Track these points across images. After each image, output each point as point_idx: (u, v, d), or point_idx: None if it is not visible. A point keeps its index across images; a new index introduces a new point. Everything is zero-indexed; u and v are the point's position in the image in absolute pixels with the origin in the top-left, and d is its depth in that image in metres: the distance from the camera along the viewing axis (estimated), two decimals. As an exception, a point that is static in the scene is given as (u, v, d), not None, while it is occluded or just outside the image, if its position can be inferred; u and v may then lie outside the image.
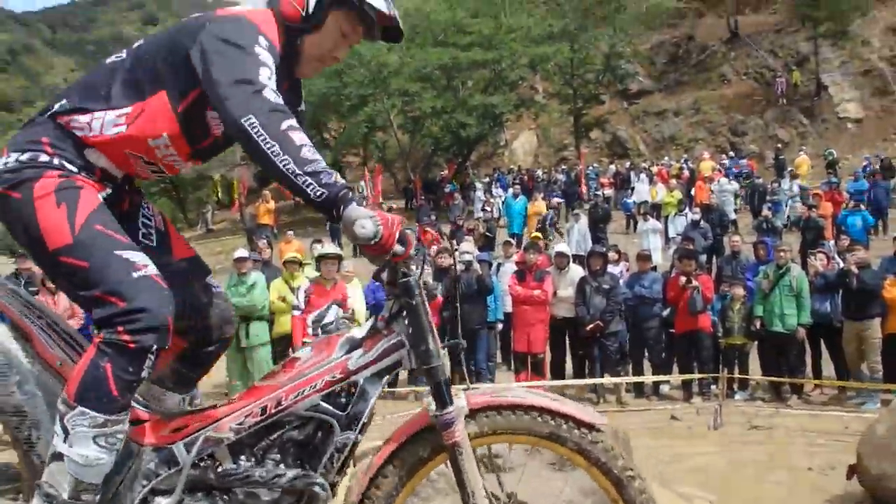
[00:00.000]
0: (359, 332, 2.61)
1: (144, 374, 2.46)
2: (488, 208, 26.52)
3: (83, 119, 2.60)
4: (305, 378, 2.53)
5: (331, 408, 2.52)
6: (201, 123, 2.66)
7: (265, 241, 15.62)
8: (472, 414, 2.55)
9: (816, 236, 17.28)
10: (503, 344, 13.55)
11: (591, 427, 2.53)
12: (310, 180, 2.27)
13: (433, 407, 2.50)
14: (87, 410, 2.39)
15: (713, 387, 11.86)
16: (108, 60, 2.73)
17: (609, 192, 27.88)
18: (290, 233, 19.94)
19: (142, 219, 2.88)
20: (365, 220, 2.25)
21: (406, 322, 2.54)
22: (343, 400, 2.53)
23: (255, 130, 2.29)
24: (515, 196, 24.53)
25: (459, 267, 12.21)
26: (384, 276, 2.57)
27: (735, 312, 12.17)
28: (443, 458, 2.58)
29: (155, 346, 2.42)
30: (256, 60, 2.45)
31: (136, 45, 2.75)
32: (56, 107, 2.64)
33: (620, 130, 43.35)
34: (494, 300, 12.67)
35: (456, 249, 12.98)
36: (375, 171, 34.63)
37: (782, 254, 12.11)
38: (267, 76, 2.42)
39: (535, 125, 44.55)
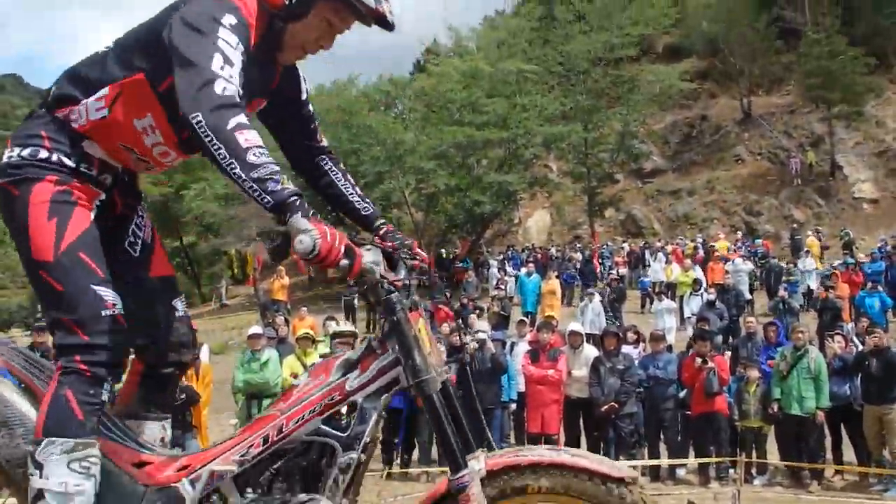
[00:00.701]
0: (354, 354, 2.60)
1: (104, 397, 2.54)
2: (502, 286, 26.45)
3: (75, 108, 2.65)
4: (304, 403, 2.52)
5: (332, 430, 2.51)
6: None
7: (282, 317, 15.62)
8: (492, 476, 2.49)
9: (834, 317, 17.11)
10: (517, 424, 13.37)
11: (619, 481, 2.43)
12: (256, 186, 2.23)
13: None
14: (55, 438, 2.43)
15: (731, 471, 11.61)
16: (97, 50, 2.78)
17: (623, 270, 27.80)
18: (304, 309, 19.88)
19: (133, 226, 2.93)
20: (303, 234, 2.20)
21: (395, 339, 2.52)
22: (343, 422, 2.53)
23: (202, 129, 2.27)
24: (529, 274, 24.47)
25: (473, 346, 12.15)
26: (370, 296, 2.54)
27: (751, 395, 11.98)
28: None
29: (110, 378, 2.53)
30: (213, 46, 2.41)
31: (123, 33, 2.78)
32: (51, 98, 2.71)
33: (635, 209, 43.47)
34: (508, 380, 12.55)
35: (468, 329, 12.94)
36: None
37: (800, 335, 11.96)
38: (220, 64, 2.38)
39: (549, 203, 44.72)
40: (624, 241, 37.24)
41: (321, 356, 11.20)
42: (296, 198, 2.25)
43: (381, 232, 3.09)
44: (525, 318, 17.11)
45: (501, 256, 35.29)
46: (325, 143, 3.18)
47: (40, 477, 2.44)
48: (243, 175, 2.23)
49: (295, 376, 11.09)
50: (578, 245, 36.99)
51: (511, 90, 38.81)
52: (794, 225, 35.10)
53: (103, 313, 2.54)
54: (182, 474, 2.57)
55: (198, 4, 2.54)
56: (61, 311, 2.53)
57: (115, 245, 2.80)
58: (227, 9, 2.52)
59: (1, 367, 2.80)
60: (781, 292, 19.34)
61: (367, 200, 3.20)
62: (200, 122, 2.26)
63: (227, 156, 2.24)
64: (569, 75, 42.16)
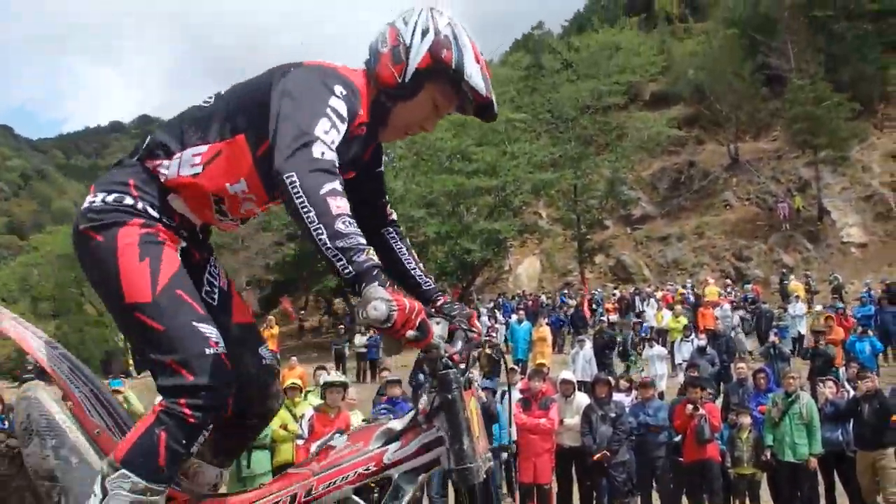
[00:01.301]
0: (398, 424, 2.53)
1: (194, 449, 2.51)
2: (493, 334, 26.38)
3: (166, 161, 2.65)
4: (338, 468, 2.47)
5: (362, 502, 2.46)
6: None
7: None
8: None
9: (826, 363, 17.07)
10: (508, 474, 13.24)
11: None
12: (340, 255, 2.21)
13: None
14: (131, 474, 2.41)
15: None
16: (196, 104, 2.78)
17: (614, 317, 27.77)
18: (294, 359, 19.77)
19: (207, 276, 2.90)
20: (379, 301, 2.15)
21: (444, 418, 2.44)
22: (376, 495, 2.49)
23: (295, 190, 2.24)
24: (520, 321, 24.42)
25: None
26: (426, 367, 2.50)
27: (744, 441, 11.91)
28: None
29: (211, 425, 2.49)
30: (321, 110, 2.42)
31: (225, 89, 2.79)
32: (143, 149, 2.71)
33: (624, 255, 43.67)
34: (499, 428, 12.44)
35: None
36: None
37: (791, 381, 11.92)
38: (325, 129, 2.39)
39: (539, 250, 44.92)
40: (615, 288, 37.30)
41: (313, 407, 11.13)
42: (378, 271, 2.23)
43: (439, 304, 3.05)
44: (516, 367, 17.04)
45: (492, 304, 35.26)
46: (393, 215, 3.18)
47: (100, 502, 2.41)
48: (328, 242, 2.21)
49: (284, 427, 11.01)
50: (567, 291, 37.05)
51: (500, 138, 39.07)
52: (784, 270, 35.28)
53: (207, 351, 2.50)
54: None
55: (308, 71, 2.59)
56: (163, 353, 2.49)
57: (197, 290, 2.75)
58: (338, 79, 2.56)
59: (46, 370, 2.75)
60: (772, 337, 19.33)
61: (428, 276, 3.17)
62: (294, 181, 2.25)
63: (316, 220, 2.22)
64: (557, 123, 42.51)
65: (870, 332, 18.85)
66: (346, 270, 2.21)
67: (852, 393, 11.89)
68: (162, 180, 2.65)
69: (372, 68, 2.70)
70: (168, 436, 2.42)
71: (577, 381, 14.28)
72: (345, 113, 2.47)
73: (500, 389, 14.45)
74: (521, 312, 26.08)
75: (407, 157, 41.81)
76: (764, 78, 44.29)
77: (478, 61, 2.68)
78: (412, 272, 3.11)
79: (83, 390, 2.70)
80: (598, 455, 11.57)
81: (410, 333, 2.22)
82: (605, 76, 42.42)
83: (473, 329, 2.88)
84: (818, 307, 26.47)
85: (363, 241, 2.24)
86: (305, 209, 2.23)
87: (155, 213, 2.63)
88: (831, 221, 39.07)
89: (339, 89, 2.51)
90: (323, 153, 2.32)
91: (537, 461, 11.72)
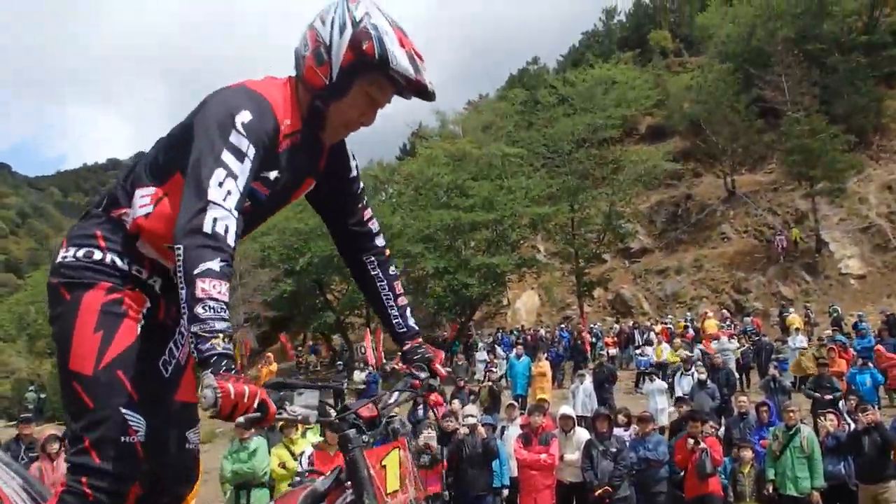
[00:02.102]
0: (322, 486, 2.54)
1: None
2: (493, 369, 26.30)
3: (127, 209, 2.68)
4: None
5: None
6: None
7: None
8: None
9: (831, 394, 16.96)
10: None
11: None
12: (193, 339, 2.23)
13: None
14: None
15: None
16: (151, 148, 2.79)
17: (614, 351, 27.70)
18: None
19: (171, 344, 2.84)
20: (207, 389, 2.19)
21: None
22: None
23: (179, 264, 2.28)
24: (519, 356, 24.32)
25: (464, 430, 12.04)
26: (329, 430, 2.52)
27: (745, 475, 11.85)
28: None
29: None
30: (216, 158, 2.40)
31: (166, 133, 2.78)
32: (106, 198, 2.74)
33: (623, 289, 43.63)
34: (500, 465, 12.37)
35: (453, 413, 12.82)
36: (377, 333, 34.66)
37: (791, 414, 11.88)
38: (219, 181, 2.36)
39: (538, 284, 44.87)
40: (614, 322, 37.24)
41: (312, 444, 11.06)
42: (217, 359, 2.22)
43: (406, 348, 3.07)
44: (515, 402, 16.97)
45: (491, 339, 35.19)
46: (377, 238, 3.17)
47: None
48: (188, 323, 2.24)
49: (283, 465, 10.94)
50: (564, 325, 37.03)
51: (497, 173, 39.21)
52: (783, 302, 35.28)
53: (123, 440, 2.50)
54: None
55: (217, 102, 2.55)
56: (83, 429, 2.49)
57: (149, 359, 2.72)
58: (245, 103, 2.51)
59: None
60: (772, 370, 19.25)
61: (406, 314, 3.15)
62: (180, 255, 2.28)
63: (184, 299, 2.25)
64: (553, 157, 42.66)
65: (870, 364, 18.79)
66: (195, 352, 2.23)
67: (853, 426, 11.84)
68: (127, 227, 2.67)
69: (300, 74, 2.69)
70: None
71: (578, 416, 14.21)
72: (246, 146, 2.44)
73: (500, 425, 14.43)
74: (520, 347, 25.98)
75: (404, 192, 41.98)
76: (759, 111, 44.49)
77: (403, 45, 2.61)
78: (389, 309, 3.10)
79: (12, 485, 2.73)
80: (599, 491, 11.50)
81: (240, 419, 2.24)
82: (601, 110, 42.65)
83: (435, 373, 2.90)
84: (826, 331, 26.35)
85: (219, 327, 2.24)
86: (181, 286, 2.26)
87: (124, 265, 2.65)
88: (829, 253, 39.10)
89: (241, 119, 2.46)
90: (215, 220, 2.32)
91: (538, 497, 11.73)
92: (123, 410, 2.50)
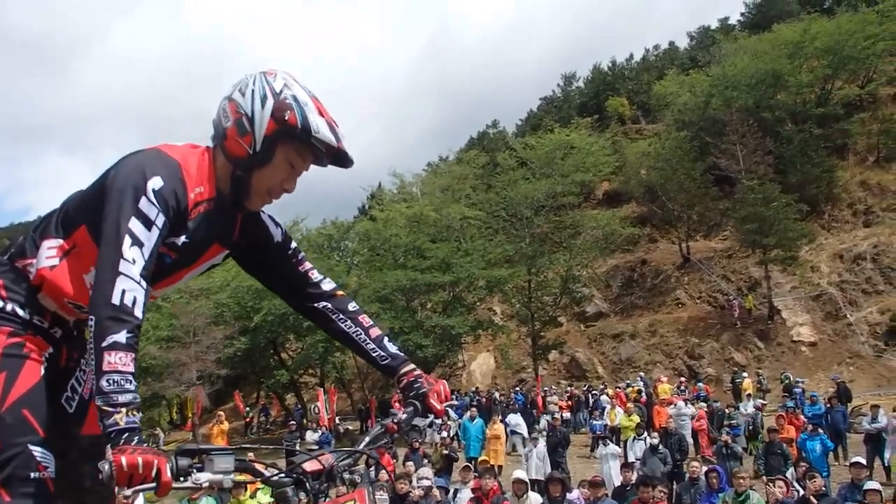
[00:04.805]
0: None
1: None
2: (445, 432, 26.06)
3: (32, 259, 2.65)
4: None
5: None
6: None
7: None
8: None
9: (781, 461, 17.02)
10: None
11: None
12: (98, 411, 2.25)
13: None
14: None
15: None
16: (63, 201, 2.78)
17: (567, 415, 27.61)
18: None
19: (73, 381, 2.84)
20: (104, 462, 2.20)
21: None
22: None
23: (90, 335, 2.29)
24: (472, 419, 24.13)
25: (418, 492, 11.91)
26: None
27: (696, 542, 11.82)
28: None
29: None
30: (123, 227, 2.40)
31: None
32: (14, 247, 2.72)
33: (578, 352, 43.71)
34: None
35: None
36: (329, 393, 34.33)
37: (741, 480, 11.89)
38: (127, 247, 2.38)
39: (493, 346, 44.81)
40: (569, 385, 37.23)
41: (258, 504, 10.89)
42: (117, 434, 2.25)
43: (403, 384, 3.04)
44: (469, 464, 16.84)
45: (445, 401, 34.94)
46: (324, 283, 3.11)
47: None
48: (95, 395, 2.27)
49: None
50: (518, 388, 36.98)
51: (455, 235, 39.34)
52: (735, 368, 35.58)
53: (32, 475, 2.47)
54: None
55: (131, 165, 2.54)
56: None
57: (53, 397, 2.71)
58: (158, 169, 2.52)
59: None
60: (724, 436, 19.30)
61: (385, 343, 3.09)
62: (91, 326, 2.30)
63: (94, 367, 2.28)
64: (512, 220, 42.94)
65: (820, 431, 18.91)
66: (101, 425, 2.25)
67: (801, 492, 11.87)
68: (31, 279, 2.66)
69: (220, 144, 2.69)
70: None
71: (531, 480, 14.13)
72: (155, 214, 2.45)
73: (452, 488, 14.32)
74: (474, 409, 25.77)
75: (361, 252, 41.93)
76: (714, 178, 45.33)
77: (322, 114, 2.66)
78: (365, 346, 3.04)
79: None
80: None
81: (127, 491, 2.24)
82: (560, 175, 43.14)
83: (429, 409, 2.89)
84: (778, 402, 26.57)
85: (123, 399, 2.27)
86: (91, 357, 2.29)
87: (25, 315, 2.63)
88: (782, 320, 39.62)
89: (152, 185, 2.48)
90: (123, 292, 2.34)
91: None
92: (31, 447, 2.48)
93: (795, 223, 39.24)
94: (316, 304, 3.06)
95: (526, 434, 23.17)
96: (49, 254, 2.63)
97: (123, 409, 2.25)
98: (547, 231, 43.76)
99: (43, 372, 2.63)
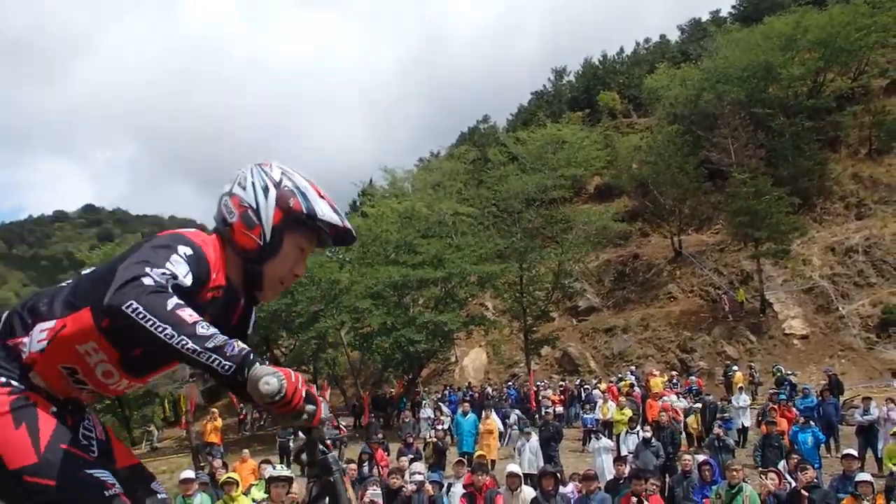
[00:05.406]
0: None
1: None
2: (439, 426, 26.07)
3: (24, 339, 2.54)
4: None
5: None
6: (126, 337, 2.49)
7: (220, 460, 15.40)
8: None
9: (778, 454, 17.09)
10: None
11: None
12: (214, 355, 2.16)
13: None
14: None
15: None
16: (59, 285, 2.70)
17: (559, 409, 27.64)
18: (246, 452, 19.35)
19: (83, 431, 2.76)
20: (269, 376, 2.14)
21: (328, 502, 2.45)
22: None
23: (140, 315, 2.18)
24: (465, 414, 24.12)
25: (411, 487, 11.93)
26: (303, 457, 2.45)
27: (689, 534, 11.85)
28: None
29: None
30: (157, 258, 2.38)
31: (86, 270, 2.73)
32: (3, 326, 2.60)
33: (570, 347, 43.76)
34: (446, 523, 12.25)
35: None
36: (322, 388, 34.28)
37: (734, 473, 11.91)
38: (165, 260, 2.37)
39: (486, 342, 44.85)
40: (561, 379, 37.26)
41: (256, 502, 10.88)
42: (249, 353, 2.20)
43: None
44: (462, 459, 16.86)
45: (437, 396, 34.98)
46: None
47: None
48: (198, 347, 2.17)
49: None
50: (511, 383, 37.05)
51: (446, 231, 39.31)
52: (727, 361, 35.66)
53: (107, 494, 2.44)
54: None
55: (157, 238, 2.55)
56: None
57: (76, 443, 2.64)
58: (186, 242, 2.52)
59: None
60: (716, 429, 19.36)
61: None
62: (136, 308, 2.19)
63: (175, 334, 2.17)
64: (503, 216, 42.94)
65: (812, 423, 18.98)
66: (226, 366, 2.17)
67: (794, 484, 11.90)
68: (24, 357, 2.55)
69: (228, 238, 2.70)
70: None
71: (524, 474, 14.12)
72: (183, 272, 2.43)
73: (445, 482, 14.33)
74: (466, 404, 25.79)
75: (353, 248, 41.92)
76: (706, 172, 45.30)
77: (322, 196, 2.74)
78: None
79: None
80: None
81: (309, 407, 2.23)
82: (551, 170, 43.14)
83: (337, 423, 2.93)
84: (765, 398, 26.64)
85: (225, 336, 2.21)
86: (160, 328, 2.17)
87: (21, 386, 2.52)
88: (773, 313, 39.71)
89: (183, 251, 2.47)
90: (156, 280, 2.28)
91: None
92: (88, 471, 2.44)
93: (787, 216, 39.26)
94: None
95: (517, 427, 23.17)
96: (41, 337, 2.54)
97: (235, 340, 2.21)
98: (538, 226, 43.78)
99: (57, 418, 2.55)
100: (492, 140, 61.75)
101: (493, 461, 19.58)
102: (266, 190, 2.69)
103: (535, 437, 19.96)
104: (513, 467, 13.49)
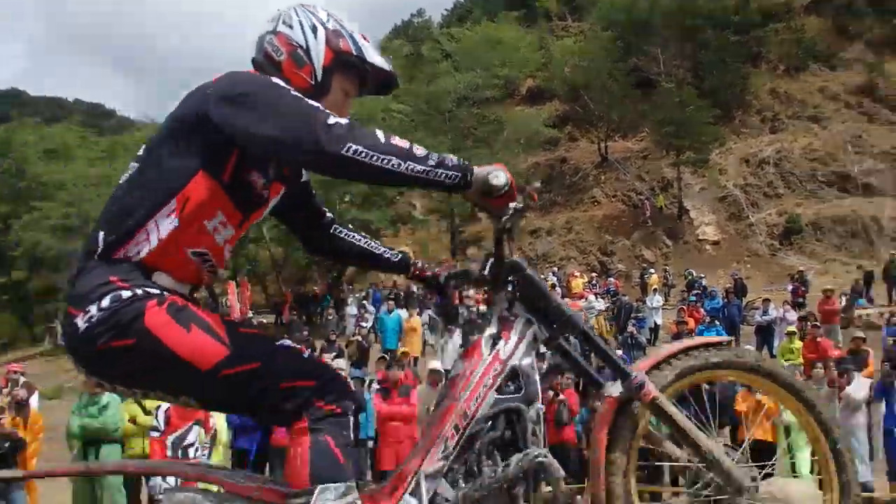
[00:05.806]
0: (492, 328, 2.71)
1: (352, 435, 2.54)
2: (363, 324, 26.35)
3: (133, 242, 2.42)
4: (475, 383, 2.58)
5: (508, 396, 2.59)
6: (245, 185, 2.55)
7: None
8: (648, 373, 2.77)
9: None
10: (374, 463, 13.33)
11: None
12: (440, 171, 2.32)
13: (616, 388, 2.73)
14: (329, 485, 2.36)
15: (579, 497, 12.00)
16: (122, 180, 2.56)
17: (483, 308, 28.17)
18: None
19: None
20: (495, 171, 2.37)
21: (523, 301, 2.72)
22: (513, 385, 2.61)
23: (362, 153, 2.24)
24: (389, 311, 24.33)
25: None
26: (486, 273, 2.82)
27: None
28: (647, 417, 2.80)
29: (354, 407, 2.51)
30: (289, 93, 2.38)
31: (140, 151, 2.59)
32: (100, 246, 2.43)
33: (496, 248, 44.12)
34: (366, 418, 12.47)
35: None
36: (242, 285, 33.93)
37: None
38: (316, 105, 2.36)
39: (413, 241, 44.91)
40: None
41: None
42: (466, 160, 2.38)
43: (419, 266, 3.29)
44: (385, 356, 17.19)
45: (362, 294, 35.07)
46: (328, 214, 3.16)
47: None
48: (426, 167, 2.29)
49: (133, 421, 10.09)
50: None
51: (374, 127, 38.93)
52: (644, 265, 36.67)
53: (305, 355, 2.51)
54: (399, 493, 2.49)
55: (234, 75, 2.51)
56: (271, 383, 2.41)
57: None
58: (271, 77, 2.51)
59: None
60: (630, 328, 20.13)
61: (390, 248, 3.27)
62: (356, 149, 2.23)
63: (401, 161, 2.27)
64: (434, 114, 42.59)
65: (717, 323, 19.88)
66: (453, 175, 2.34)
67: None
68: (142, 258, 2.44)
69: (283, 79, 2.56)
70: (331, 436, 2.41)
71: (445, 371, 14.53)
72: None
73: (367, 379, 14.62)
74: (391, 303, 25.98)
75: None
76: (635, 81, 45.46)
77: (367, 40, 2.72)
78: (377, 251, 3.20)
79: (219, 474, 2.60)
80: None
81: (520, 198, 2.46)
82: (484, 69, 42.72)
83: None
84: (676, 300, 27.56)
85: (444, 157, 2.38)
86: (384, 160, 2.26)
87: (156, 291, 2.41)
88: (689, 220, 40.88)
89: (284, 84, 2.48)
90: (338, 121, 2.29)
91: (399, 448, 11.69)
92: (278, 343, 2.52)
93: (708, 127, 40.04)
94: (332, 231, 3.15)
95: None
96: (168, 220, 2.43)
97: (447, 154, 2.38)
98: (470, 126, 43.53)
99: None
100: (426, 35, 60.76)
101: (415, 358, 19.94)
102: (315, 29, 2.64)
103: (458, 335, 20.36)
104: (434, 364, 13.81)
